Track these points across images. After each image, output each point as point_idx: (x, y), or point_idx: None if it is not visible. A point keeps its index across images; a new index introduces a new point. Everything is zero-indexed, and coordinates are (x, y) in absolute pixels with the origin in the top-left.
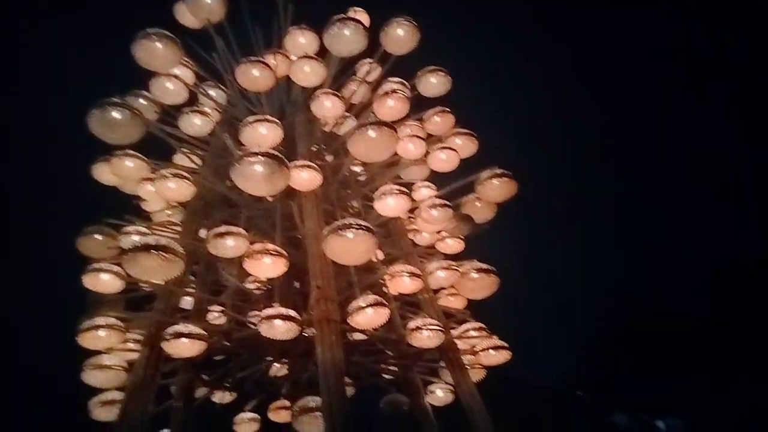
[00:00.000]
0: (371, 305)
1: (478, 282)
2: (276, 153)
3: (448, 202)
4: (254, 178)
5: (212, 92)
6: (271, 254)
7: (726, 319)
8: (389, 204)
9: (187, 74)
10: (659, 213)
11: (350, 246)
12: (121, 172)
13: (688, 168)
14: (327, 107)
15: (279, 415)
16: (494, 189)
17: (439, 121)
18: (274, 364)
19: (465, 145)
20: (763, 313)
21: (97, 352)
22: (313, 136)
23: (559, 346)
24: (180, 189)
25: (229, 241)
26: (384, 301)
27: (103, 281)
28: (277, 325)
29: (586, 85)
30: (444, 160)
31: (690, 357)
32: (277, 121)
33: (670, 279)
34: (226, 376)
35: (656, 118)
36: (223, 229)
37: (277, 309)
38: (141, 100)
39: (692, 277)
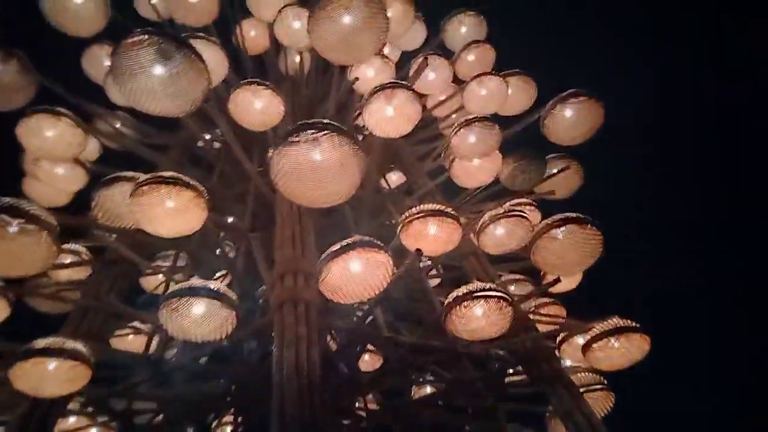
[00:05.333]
0: (353, 249)
1: (568, 243)
2: None
3: (488, 117)
4: None
5: None
6: (167, 183)
7: None
8: (386, 113)
9: None
10: None
11: (314, 169)
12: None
13: None
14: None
15: None
16: (571, 120)
17: (473, 59)
18: None
19: (518, 92)
20: None
21: None
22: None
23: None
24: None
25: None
26: (380, 245)
27: None
28: (192, 315)
29: None
30: (485, 98)
31: None
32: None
33: None
34: None
35: None
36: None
37: (191, 281)
38: None
39: None
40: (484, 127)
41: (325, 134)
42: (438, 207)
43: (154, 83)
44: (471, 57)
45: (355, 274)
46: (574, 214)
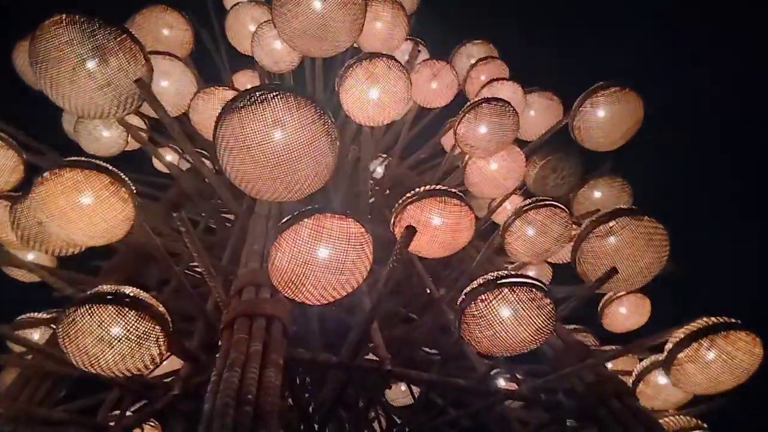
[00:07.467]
0: (308, 216)
1: (623, 242)
2: None
3: (500, 99)
4: None
5: None
6: (71, 167)
7: None
8: (367, 92)
9: None
10: None
11: (267, 142)
12: None
13: None
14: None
15: None
16: (602, 119)
17: (485, 79)
18: None
19: (541, 111)
20: None
21: None
22: None
23: None
24: None
25: None
26: (350, 214)
27: None
28: (96, 333)
29: None
30: None
31: None
32: None
33: None
34: None
35: None
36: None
37: (99, 289)
38: None
39: None
40: (497, 108)
41: (277, 95)
42: (439, 187)
43: (76, 71)
44: (482, 77)
45: (319, 257)
46: (624, 206)
